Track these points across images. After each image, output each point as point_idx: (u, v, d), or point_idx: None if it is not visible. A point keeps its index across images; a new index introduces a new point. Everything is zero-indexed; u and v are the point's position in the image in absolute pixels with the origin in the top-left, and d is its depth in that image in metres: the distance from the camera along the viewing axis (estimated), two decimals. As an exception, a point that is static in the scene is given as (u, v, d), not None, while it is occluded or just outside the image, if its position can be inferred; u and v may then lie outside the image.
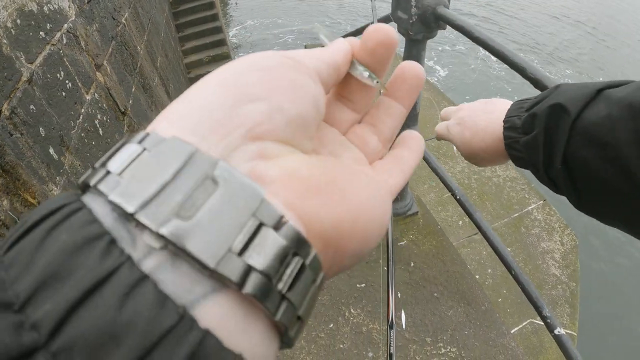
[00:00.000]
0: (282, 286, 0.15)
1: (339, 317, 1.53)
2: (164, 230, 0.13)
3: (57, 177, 1.35)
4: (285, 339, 0.16)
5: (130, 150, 0.15)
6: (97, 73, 2.00)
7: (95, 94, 1.89)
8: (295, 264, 0.15)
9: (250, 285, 0.14)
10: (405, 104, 0.27)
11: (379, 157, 0.26)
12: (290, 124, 0.18)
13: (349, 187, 0.19)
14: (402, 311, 1.55)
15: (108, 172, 0.15)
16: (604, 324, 3.87)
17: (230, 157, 0.16)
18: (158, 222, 0.13)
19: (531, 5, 12.20)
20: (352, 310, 1.56)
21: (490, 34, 0.91)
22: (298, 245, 0.15)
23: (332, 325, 1.51)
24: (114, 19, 2.61)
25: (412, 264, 1.72)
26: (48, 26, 1.56)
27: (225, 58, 6.44)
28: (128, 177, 0.14)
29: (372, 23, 1.11)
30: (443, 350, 1.49)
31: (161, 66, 4.00)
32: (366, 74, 0.25)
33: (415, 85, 0.26)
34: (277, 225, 0.15)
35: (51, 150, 1.35)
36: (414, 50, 1.14)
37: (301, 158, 0.19)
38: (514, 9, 12.01)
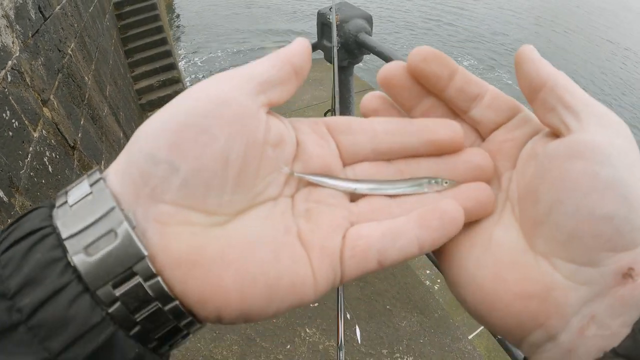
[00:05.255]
0: (137, 316, 0.20)
1: (295, 337, 1.57)
2: (74, 259, 0.19)
3: (9, 220, 1.30)
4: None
5: (83, 189, 0.21)
6: (43, 109, 1.96)
7: (43, 131, 1.86)
8: (152, 306, 0.20)
9: (114, 308, 0.19)
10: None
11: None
12: (185, 186, 0.21)
13: (233, 263, 0.21)
14: (357, 327, 1.59)
15: (66, 202, 0.21)
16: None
17: (137, 214, 0.20)
18: (73, 251, 0.19)
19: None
20: (307, 329, 1.59)
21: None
22: (158, 295, 0.20)
23: (289, 346, 1.54)
24: (59, 50, 2.55)
25: (363, 280, 1.78)
26: (-8, 65, 1.54)
27: (175, 82, 6.37)
28: (73, 211, 0.20)
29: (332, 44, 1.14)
30: (399, 361, 1.54)
31: (111, 95, 3.92)
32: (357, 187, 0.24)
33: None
34: (146, 279, 0.20)
35: (0, 193, 1.33)
36: (342, 76, 1.18)
37: (181, 231, 0.21)
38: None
